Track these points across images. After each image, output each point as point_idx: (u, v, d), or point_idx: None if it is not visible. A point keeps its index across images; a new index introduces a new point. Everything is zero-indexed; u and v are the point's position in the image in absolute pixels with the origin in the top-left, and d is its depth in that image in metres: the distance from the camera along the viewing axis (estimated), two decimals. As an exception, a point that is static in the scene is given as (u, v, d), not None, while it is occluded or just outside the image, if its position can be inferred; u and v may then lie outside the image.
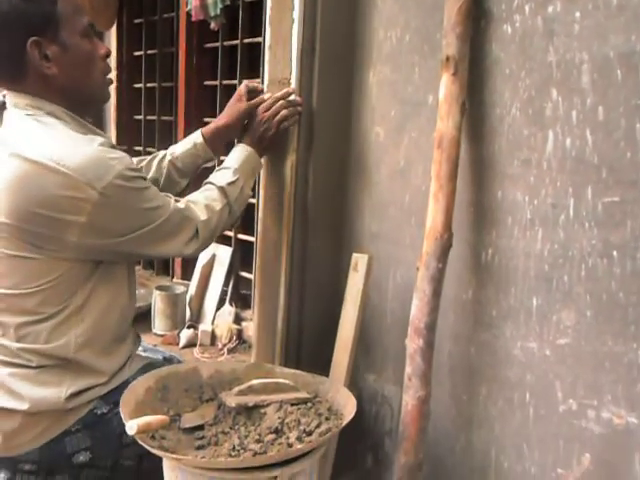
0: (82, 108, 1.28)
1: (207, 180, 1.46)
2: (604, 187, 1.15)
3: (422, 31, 1.46)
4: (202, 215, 1.34)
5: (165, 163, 1.58)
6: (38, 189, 1.11)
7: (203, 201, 1.37)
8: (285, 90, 1.55)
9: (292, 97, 1.54)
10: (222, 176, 1.44)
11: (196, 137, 1.58)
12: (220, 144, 1.62)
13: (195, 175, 1.64)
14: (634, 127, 1.10)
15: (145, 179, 1.24)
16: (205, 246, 1.39)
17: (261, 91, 1.61)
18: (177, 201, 1.33)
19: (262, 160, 1.56)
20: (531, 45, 1.24)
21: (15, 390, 1.22)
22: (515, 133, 1.29)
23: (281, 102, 1.52)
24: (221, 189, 1.40)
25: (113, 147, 1.24)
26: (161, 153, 1.62)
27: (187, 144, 1.59)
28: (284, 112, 1.51)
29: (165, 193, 1.33)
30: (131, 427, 1.05)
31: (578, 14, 1.17)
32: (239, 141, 1.54)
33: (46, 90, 1.20)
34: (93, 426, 1.27)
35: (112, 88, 1.40)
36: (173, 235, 1.28)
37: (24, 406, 1.21)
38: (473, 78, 1.33)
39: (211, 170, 1.54)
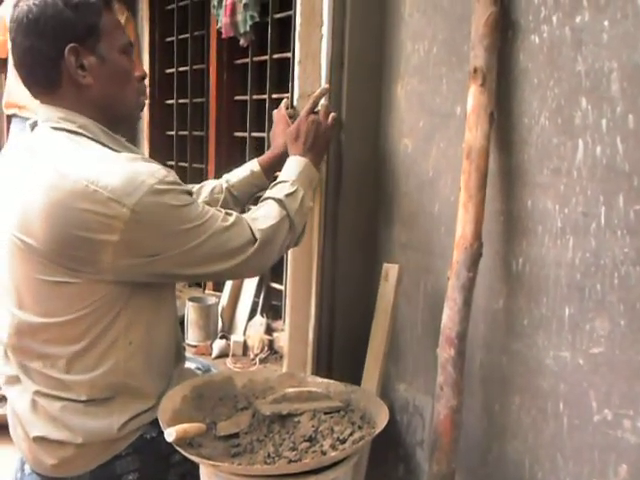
0: (114, 124, 1.25)
1: (264, 196, 1.39)
2: (636, 195, 1.14)
3: (449, 43, 1.47)
4: (258, 230, 1.24)
5: (218, 190, 1.57)
6: (70, 210, 1.08)
7: (260, 215, 1.29)
8: (322, 88, 1.57)
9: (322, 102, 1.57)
10: (279, 189, 1.37)
11: (253, 165, 1.60)
12: (275, 172, 1.62)
13: (248, 203, 1.65)
14: (665, 134, 1.09)
15: (187, 193, 1.17)
16: (264, 263, 1.29)
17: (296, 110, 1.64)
18: (229, 214, 1.24)
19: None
20: (559, 55, 1.25)
21: (68, 423, 1.22)
22: (544, 142, 1.29)
23: (319, 108, 1.53)
24: (279, 201, 1.32)
25: (147, 161, 1.20)
26: (211, 182, 1.62)
27: (244, 172, 1.60)
28: (323, 115, 1.51)
29: (217, 208, 1.26)
30: (170, 434, 1.07)
31: (607, 23, 1.17)
32: (290, 155, 1.50)
33: (79, 101, 1.18)
34: (142, 450, 1.28)
35: (145, 105, 1.40)
36: (221, 254, 1.19)
37: (78, 440, 1.21)
38: (501, 89, 1.33)
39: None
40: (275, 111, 1.64)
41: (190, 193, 1.20)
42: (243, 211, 1.61)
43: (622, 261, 1.17)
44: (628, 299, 1.17)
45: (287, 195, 1.34)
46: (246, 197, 1.61)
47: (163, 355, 1.32)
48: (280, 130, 1.59)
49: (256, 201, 1.45)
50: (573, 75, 1.22)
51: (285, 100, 1.67)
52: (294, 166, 1.42)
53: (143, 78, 1.29)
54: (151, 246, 1.12)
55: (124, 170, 1.10)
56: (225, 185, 1.59)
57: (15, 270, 1.19)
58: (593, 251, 1.22)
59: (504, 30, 1.32)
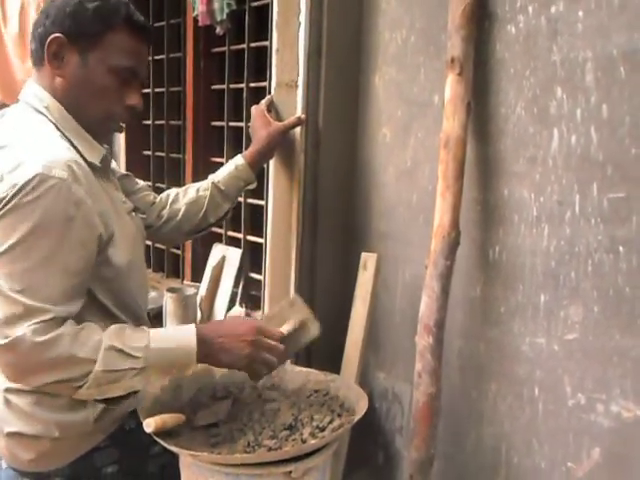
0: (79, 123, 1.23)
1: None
2: (609, 183, 1.16)
3: (427, 32, 1.48)
4: (34, 326, 1.02)
5: (204, 187, 1.57)
6: None
7: (72, 332, 1.06)
8: (296, 117, 1.58)
9: None
10: (130, 335, 1.11)
11: (237, 160, 1.61)
12: (260, 166, 1.64)
13: (236, 199, 1.64)
14: (638, 124, 1.11)
15: (66, 208, 1.05)
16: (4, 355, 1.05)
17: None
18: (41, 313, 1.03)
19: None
20: (535, 45, 1.26)
21: (41, 418, 1.20)
22: (520, 132, 1.30)
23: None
24: (102, 344, 1.07)
25: (74, 166, 1.09)
26: (197, 183, 1.61)
27: (229, 167, 1.60)
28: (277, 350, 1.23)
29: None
30: (148, 424, 1.07)
31: (581, 13, 1.18)
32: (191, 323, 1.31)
33: (51, 86, 1.20)
34: (122, 441, 1.28)
35: (121, 130, 1.35)
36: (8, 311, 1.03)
37: (54, 433, 1.21)
38: (478, 78, 1.34)
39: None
40: (254, 106, 1.63)
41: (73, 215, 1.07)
42: (231, 208, 1.62)
43: (596, 249, 1.20)
44: (601, 286, 1.19)
45: (119, 350, 1.07)
46: (234, 191, 1.60)
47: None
48: (259, 124, 1.59)
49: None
50: (548, 65, 1.24)
51: (267, 97, 1.66)
52: (173, 336, 1.16)
53: (133, 109, 1.24)
54: None
55: (34, 147, 1.10)
56: (211, 181, 1.59)
57: None
58: (568, 239, 1.24)
59: (481, 20, 1.33)
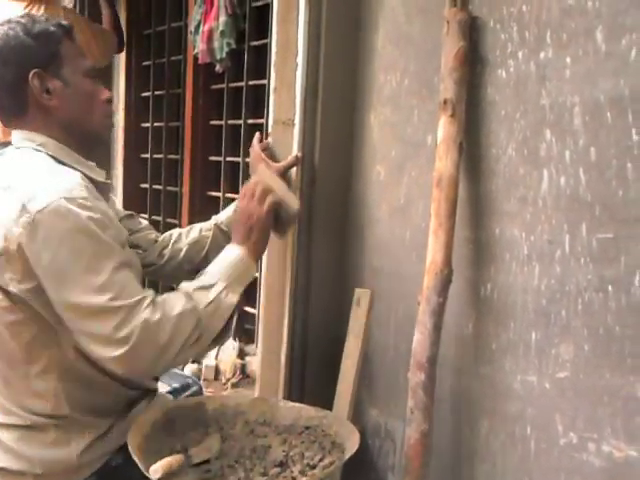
0: (83, 144, 1.27)
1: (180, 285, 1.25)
2: (598, 224, 1.18)
3: (421, 75, 1.51)
4: (145, 312, 1.09)
5: (206, 228, 1.59)
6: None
7: (159, 305, 1.13)
8: (293, 156, 1.59)
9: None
10: (196, 281, 1.23)
11: (237, 202, 1.59)
12: None
13: None
14: (625, 167, 1.14)
15: (96, 221, 1.09)
16: (138, 363, 1.11)
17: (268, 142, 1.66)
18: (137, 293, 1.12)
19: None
20: (525, 89, 1.29)
21: (25, 454, 1.20)
22: (511, 172, 1.33)
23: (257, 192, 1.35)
24: (186, 294, 1.17)
25: (83, 187, 1.14)
26: (200, 224, 1.61)
27: (230, 209, 1.62)
28: (270, 199, 1.33)
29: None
30: (155, 471, 1.06)
31: (569, 60, 1.22)
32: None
33: (46, 124, 1.22)
34: (108, 477, 1.26)
35: (120, 128, 1.42)
36: (99, 312, 1.07)
37: (36, 470, 1.20)
38: (470, 120, 1.37)
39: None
40: (251, 149, 1.64)
41: (106, 225, 1.13)
42: None
43: (585, 288, 1.21)
44: (592, 324, 1.20)
45: (200, 288, 1.18)
46: None
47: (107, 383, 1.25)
48: (255, 165, 1.59)
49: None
50: (538, 108, 1.27)
51: (257, 135, 1.66)
52: (222, 258, 1.27)
53: (109, 101, 1.32)
54: (40, 258, 1.08)
55: (44, 176, 1.12)
56: (213, 222, 1.61)
57: None
58: (558, 278, 1.26)
59: (472, 64, 1.37)
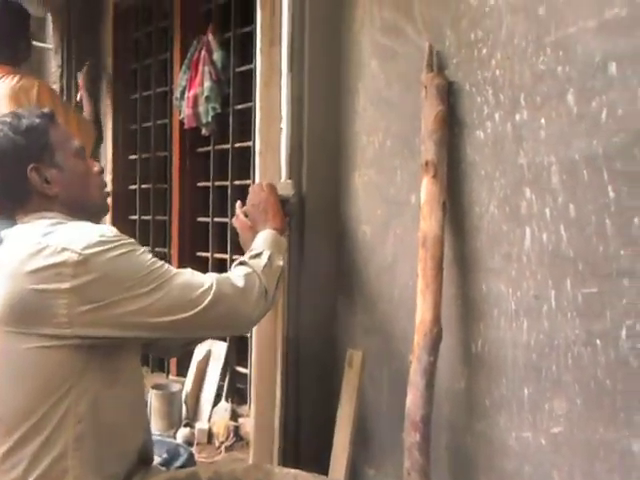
0: (83, 216, 1.30)
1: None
2: (582, 279, 1.20)
3: (402, 136, 1.56)
4: (216, 282, 1.22)
5: None
6: (25, 267, 1.12)
7: (224, 275, 1.30)
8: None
9: None
10: (245, 255, 1.39)
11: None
12: None
13: None
14: (604, 223, 1.17)
15: (137, 245, 1.20)
16: (231, 316, 1.24)
17: None
18: (183, 267, 1.28)
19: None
20: (503, 149, 1.33)
21: None
22: (494, 229, 1.36)
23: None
24: (243, 263, 1.34)
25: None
26: None
27: None
28: (257, 189, 1.55)
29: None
30: None
31: (543, 121, 1.26)
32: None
33: (48, 206, 1.26)
34: None
35: (108, 196, 1.44)
36: (175, 302, 1.17)
37: None
38: (452, 179, 1.41)
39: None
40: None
41: (137, 247, 1.21)
42: None
43: (574, 342, 1.22)
44: (582, 379, 1.21)
45: (252, 257, 1.36)
46: None
47: (119, 449, 1.23)
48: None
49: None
50: (516, 168, 1.31)
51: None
52: (259, 237, 1.45)
53: (101, 172, 1.37)
54: (101, 291, 1.12)
55: (74, 228, 1.18)
56: None
57: None
58: (547, 332, 1.27)
59: (451, 126, 1.41)
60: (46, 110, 1.31)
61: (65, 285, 1.10)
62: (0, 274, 1.16)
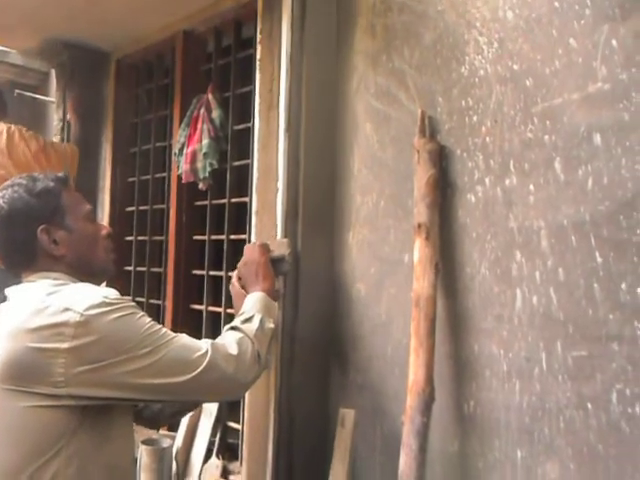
0: (88, 277, 1.32)
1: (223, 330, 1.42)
2: (572, 342, 1.22)
3: (395, 197, 1.59)
4: (212, 345, 1.24)
5: None
6: (26, 326, 1.13)
7: (218, 340, 1.31)
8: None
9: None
10: (236, 320, 1.40)
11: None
12: None
13: None
14: (592, 287, 1.19)
15: (138, 310, 1.22)
16: (226, 381, 1.25)
17: None
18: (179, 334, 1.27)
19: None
20: (493, 212, 1.37)
21: None
22: (486, 290, 1.38)
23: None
24: (235, 328, 1.35)
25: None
26: None
27: None
28: (263, 248, 1.57)
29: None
30: None
31: (532, 187, 1.30)
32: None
33: (54, 266, 1.28)
34: None
35: (114, 259, 1.44)
36: (172, 365, 1.18)
37: None
38: (444, 241, 1.44)
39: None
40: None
41: (138, 311, 1.23)
42: None
43: (566, 405, 1.23)
44: (575, 443, 1.21)
45: (243, 321, 1.38)
46: None
47: None
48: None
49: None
50: (507, 231, 1.34)
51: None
52: (249, 300, 1.47)
53: (109, 235, 1.38)
54: (100, 352, 1.14)
55: (78, 289, 1.20)
56: None
57: None
58: (538, 395, 1.27)
59: (444, 189, 1.45)
60: (61, 175, 1.36)
61: (65, 345, 1.11)
62: (2, 331, 1.17)
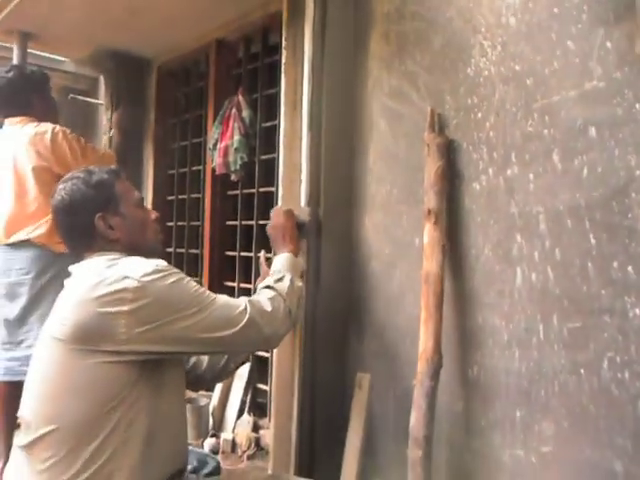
0: (141, 256, 1.30)
1: (259, 287, 1.42)
2: (567, 315, 1.20)
3: (407, 186, 1.57)
4: (250, 303, 1.26)
5: None
6: (93, 293, 1.14)
7: (254, 297, 1.33)
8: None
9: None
10: (270, 279, 1.41)
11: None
12: None
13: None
14: (586, 266, 1.16)
15: (186, 276, 1.23)
16: (265, 333, 1.26)
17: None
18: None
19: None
20: (496, 199, 1.34)
21: None
22: (489, 269, 1.35)
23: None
24: (269, 287, 1.36)
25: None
26: None
27: None
28: (288, 213, 1.56)
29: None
30: None
31: (532, 176, 1.27)
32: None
33: (111, 248, 1.29)
34: None
35: (163, 240, 1.44)
36: (219, 322, 1.20)
37: None
38: (451, 225, 1.41)
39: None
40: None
41: (184, 276, 1.23)
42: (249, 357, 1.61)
43: (560, 371, 1.21)
44: (568, 404, 1.19)
45: (276, 281, 1.39)
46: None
47: (162, 454, 1.22)
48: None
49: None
50: (508, 216, 1.31)
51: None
52: (278, 261, 1.48)
53: (157, 219, 1.39)
54: (156, 312, 1.15)
55: (131, 261, 1.21)
56: None
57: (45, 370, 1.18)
58: (536, 361, 1.26)
59: (451, 178, 1.42)
60: (114, 167, 1.37)
61: (125, 308, 1.13)
62: (70, 301, 1.18)
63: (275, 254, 1.53)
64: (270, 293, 1.34)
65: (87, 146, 2.29)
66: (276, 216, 1.58)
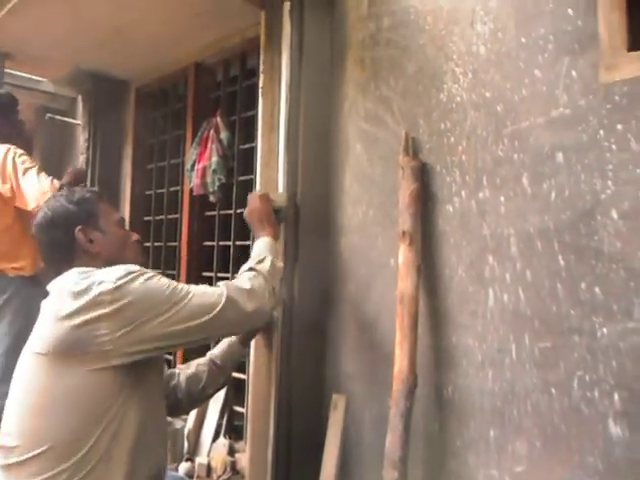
0: None
1: (240, 270, 1.44)
2: (538, 335, 1.22)
3: (382, 208, 1.59)
4: (225, 286, 1.28)
5: (203, 362, 1.57)
6: (69, 304, 1.14)
7: (235, 280, 1.35)
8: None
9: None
10: (249, 263, 1.43)
11: (229, 339, 1.61)
12: (249, 342, 1.64)
13: (232, 371, 1.62)
14: (556, 287, 1.19)
15: (157, 274, 1.23)
16: (247, 312, 1.27)
17: None
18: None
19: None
20: (469, 221, 1.37)
21: None
22: (462, 290, 1.37)
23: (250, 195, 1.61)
24: (250, 269, 1.39)
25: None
26: (198, 360, 1.60)
27: (223, 345, 1.61)
28: (265, 198, 1.57)
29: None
30: None
31: (503, 199, 1.30)
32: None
33: (90, 263, 1.29)
34: None
35: (144, 261, 1.44)
36: (196, 310, 1.21)
37: None
38: (425, 246, 1.43)
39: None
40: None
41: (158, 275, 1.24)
42: (227, 380, 1.58)
43: (533, 390, 1.22)
44: (541, 423, 1.20)
45: (257, 262, 1.41)
46: (229, 365, 1.58)
47: (143, 465, 1.21)
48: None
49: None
50: (480, 237, 1.34)
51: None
52: (258, 244, 1.50)
53: (139, 242, 1.41)
54: (135, 312, 1.16)
55: (104, 269, 1.21)
56: (209, 357, 1.58)
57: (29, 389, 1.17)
58: (509, 381, 1.27)
59: (425, 201, 1.45)
60: (96, 189, 1.42)
61: (106, 310, 1.13)
62: (49, 316, 1.18)
63: (254, 239, 1.54)
64: (250, 273, 1.37)
65: (32, 170, 2.25)
66: (253, 201, 1.58)
